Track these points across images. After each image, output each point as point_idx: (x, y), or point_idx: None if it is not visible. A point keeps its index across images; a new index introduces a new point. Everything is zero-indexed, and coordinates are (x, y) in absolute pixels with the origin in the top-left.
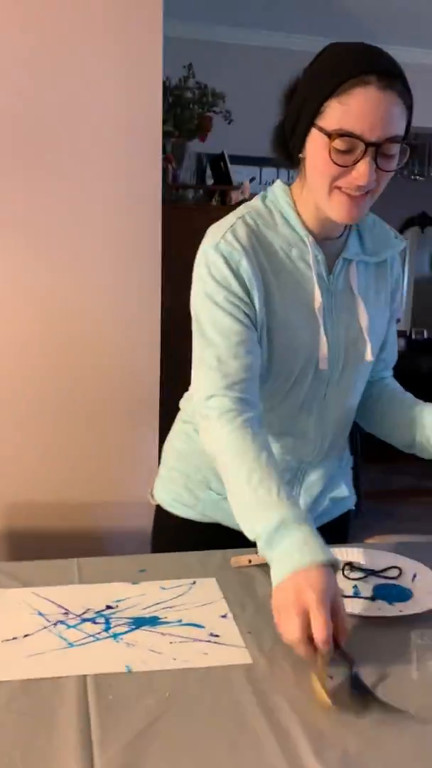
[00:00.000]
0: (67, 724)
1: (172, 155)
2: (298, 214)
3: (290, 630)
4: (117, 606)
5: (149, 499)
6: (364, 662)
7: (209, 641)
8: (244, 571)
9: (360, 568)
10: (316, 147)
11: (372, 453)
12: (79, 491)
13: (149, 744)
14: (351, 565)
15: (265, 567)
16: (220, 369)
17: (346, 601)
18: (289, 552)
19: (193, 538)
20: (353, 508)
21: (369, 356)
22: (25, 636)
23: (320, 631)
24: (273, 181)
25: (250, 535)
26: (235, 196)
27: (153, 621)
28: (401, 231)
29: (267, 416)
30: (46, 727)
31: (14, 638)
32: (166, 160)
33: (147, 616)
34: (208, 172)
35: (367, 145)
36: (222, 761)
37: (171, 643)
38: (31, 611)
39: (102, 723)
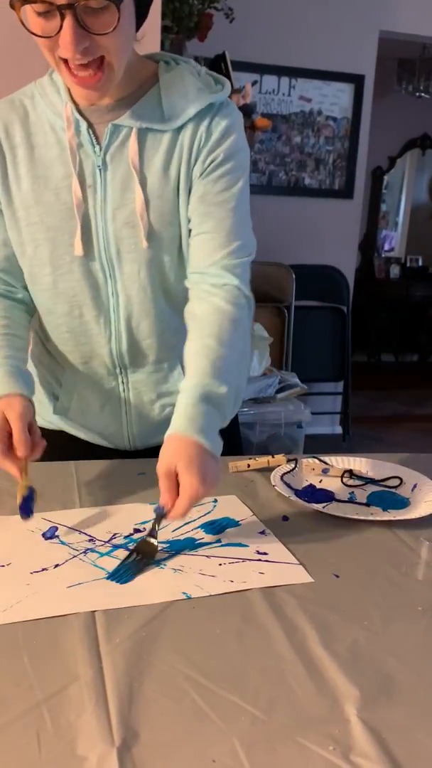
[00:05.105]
0: (70, 615)
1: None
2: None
3: None
4: (144, 528)
5: None
6: (364, 565)
7: (260, 560)
8: (243, 476)
9: (360, 477)
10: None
11: (360, 380)
12: None
13: (156, 633)
14: (351, 473)
15: (264, 471)
16: None
17: (338, 505)
18: None
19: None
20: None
21: (143, 243)
22: (56, 566)
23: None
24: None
25: None
26: (236, 99)
27: (190, 543)
28: (400, 154)
29: (52, 318)
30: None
31: (44, 569)
32: None
33: (181, 538)
34: None
35: (58, 7)
36: (230, 651)
37: (220, 565)
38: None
39: (106, 613)
